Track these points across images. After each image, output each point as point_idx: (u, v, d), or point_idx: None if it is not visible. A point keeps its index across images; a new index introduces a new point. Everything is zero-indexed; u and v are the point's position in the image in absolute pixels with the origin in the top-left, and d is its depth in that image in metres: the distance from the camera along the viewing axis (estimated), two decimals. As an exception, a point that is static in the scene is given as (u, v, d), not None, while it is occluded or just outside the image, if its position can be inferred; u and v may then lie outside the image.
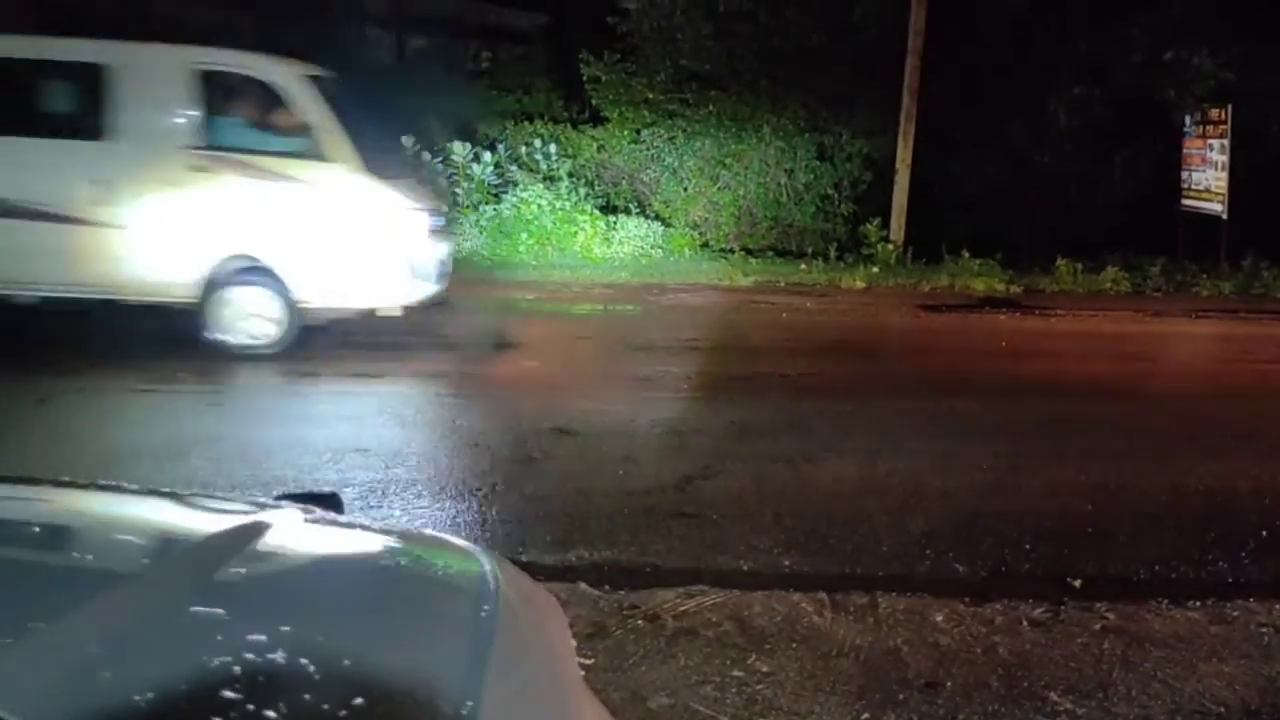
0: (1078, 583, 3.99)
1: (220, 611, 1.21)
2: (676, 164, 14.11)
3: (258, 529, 1.55)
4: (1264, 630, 3.61)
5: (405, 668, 1.17)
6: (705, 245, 13.89)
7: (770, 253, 13.63)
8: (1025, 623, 3.62)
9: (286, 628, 1.21)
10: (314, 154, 7.28)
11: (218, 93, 7.31)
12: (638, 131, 14.33)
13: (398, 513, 4.54)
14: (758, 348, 8.80)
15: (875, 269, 12.72)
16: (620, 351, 8.46)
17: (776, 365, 7.97)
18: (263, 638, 1.15)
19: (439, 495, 4.81)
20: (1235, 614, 3.72)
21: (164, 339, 7.37)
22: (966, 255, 12.55)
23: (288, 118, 7.36)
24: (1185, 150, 13.39)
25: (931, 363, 8.58)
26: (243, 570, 1.36)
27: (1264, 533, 4.59)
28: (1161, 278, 12.41)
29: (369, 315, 7.65)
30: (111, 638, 1.08)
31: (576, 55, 14.66)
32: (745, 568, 4.11)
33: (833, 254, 13.16)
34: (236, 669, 1.08)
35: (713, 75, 14.11)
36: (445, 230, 8.45)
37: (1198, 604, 3.78)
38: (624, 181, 14.30)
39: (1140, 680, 3.24)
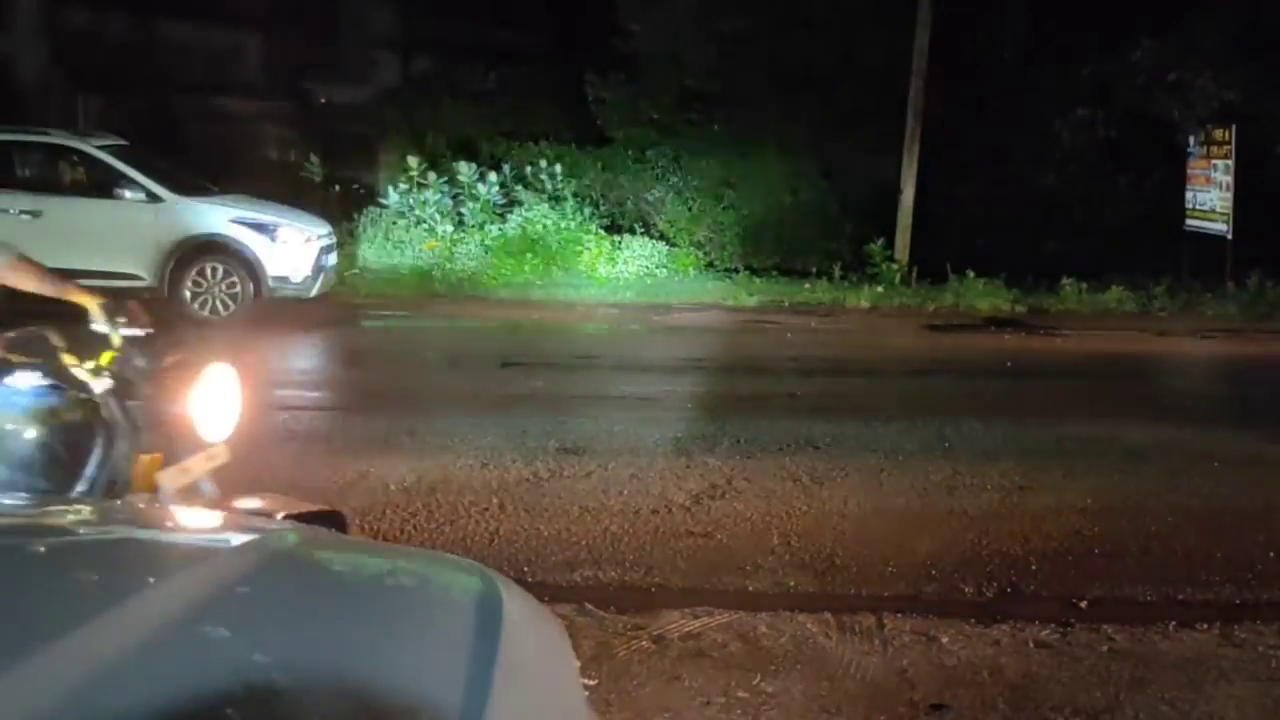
0: (1084, 604, 3.97)
1: (224, 631, 1.20)
2: (681, 184, 14.16)
3: (262, 547, 1.55)
4: (1273, 652, 3.58)
5: (408, 687, 1.17)
6: (710, 265, 13.92)
7: (775, 272, 13.66)
8: (1032, 644, 3.60)
9: (290, 648, 1.20)
10: None
11: None
12: (642, 151, 14.40)
13: (401, 530, 4.54)
14: (763, 367, 8.80)
15: (880, 288, 12.73)
16: (626, 371, 8.46)
17: (782, 385, 7.97)
18: (266, 658, 1.15)
19: (444, 514, 4.80)
20: (1244, 636, 3.69)
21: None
22: (971, 275, 12.56)
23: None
24: (1189, 171, 13.40)
25: (937, 382, 8.57)
26: (246, 590, 1.36)
27: (1271, 554, 4.56)
28: (1167, 298, 12.40)
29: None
30: (114, 657, 1.08)
31: (581, 76, 14.75)
32: (751, 588, 4.10)
33: (837, 273, 13.18)
34: (239, 689, 1.07)
35: (717, 95, 14.19)
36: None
37: (1206, 626, 3.76)
38: (629, 201, 14.36)
39: (1148, 703, 3.22)
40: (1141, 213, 13.59)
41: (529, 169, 13.90)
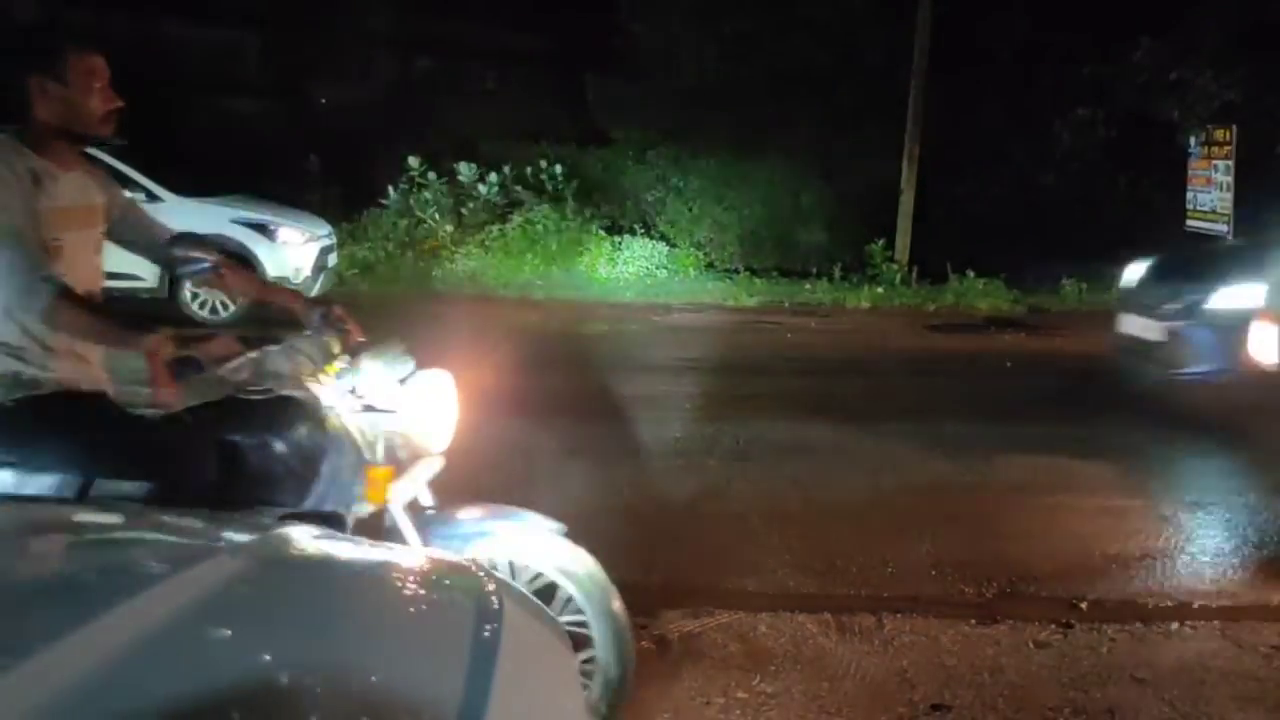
0: (1084, 604, 3.96)
1: (225, 631, 1.20)
2: (681, 184, 14.17)
3: (264, 548, 1.55)
4: (1273, 652, 3.58)
5: (409, 688, 1.17)
6: (710, 265, 13.93)
7: (775, 273, 13.67)
8: (1033, 644, 3.60)
9: (290, 647, 1.20)
10: None
11: None
12: (643, 151, 14.40)
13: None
14: (763, 368, 8.79)
15: (880, 289, 12.74)
16: (625, 372, 8.46)
17: (782, 386, 7.97)
18: (267, 658, 1.15)
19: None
20: (1245, 635, 3.69)
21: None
22: (971, 275, 12.56)
23: None
24: (1190, 171, 13.38)
25: (937, 383, 8.57)
26: (248, 590, 1.36)
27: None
28: (1167, 298, 12.38)
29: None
30: (115, 657, 1.08)
31: (582, 76, 14.77)
32: (751, 589, 4.09)
33: (837, 274, 13.19)
34: (240, 689, 1.07)
35: (718, 96, 14.20)
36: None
37: (1206, 626, 3.76)
38: (629, 202, 14.36)
39: (1149, 703, 3.22)
40: (1142, 213, 13.59)
41: (529, 169, 13.90)
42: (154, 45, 16.87)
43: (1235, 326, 6.50)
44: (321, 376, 2.47)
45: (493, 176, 13.58)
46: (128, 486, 2.36)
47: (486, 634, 1.33)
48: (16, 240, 2.32)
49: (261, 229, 9.86)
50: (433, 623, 1.39)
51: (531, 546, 2.62)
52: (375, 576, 1.60)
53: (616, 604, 2.60)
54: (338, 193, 13.72)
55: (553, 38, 17.73)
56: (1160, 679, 3.37)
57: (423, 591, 1.54)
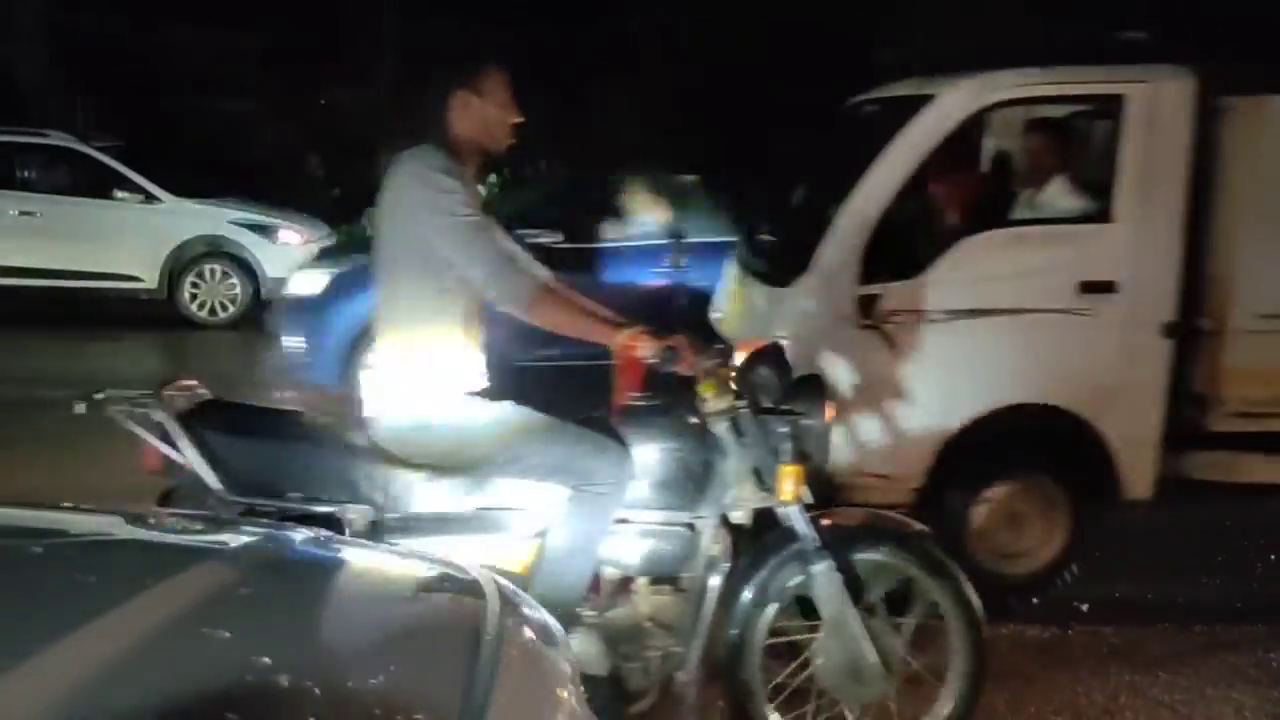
0: (1084, 606, 3.96)
1: (224, 632, 1.20)
2: (680, 185, 14.19)
3: (263, 550, 1.55)
4: (1272, 655, 3.58)
5: (409, 690, 1.17)
6: (710, 266, 13.93)
7: (774, 274, 13.65)
8: (1032, 645, 3.60)
9: (290, 649, 1.20)
10: None
11: None
12: (642, 153, 14.42)
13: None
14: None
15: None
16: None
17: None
18: (266, 659, 1.15)
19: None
20: (1242, 639, 3.69)
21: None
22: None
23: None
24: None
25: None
26: (247, 591, 1.36)
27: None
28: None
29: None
30: (114, 657, 1.08)
31: (582, 77, 14.78)
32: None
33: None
34: (239, 689, 1.07)
35: (718, 97, 14.22)
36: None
37: (1205, 629, 3.76)
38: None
39: (1147, 706, 3.22)
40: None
41: (528, 169, 13.91)
42: (154, 47, 16.87)
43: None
44: (714, 381, 2.49)
45: (492, 177, 13.58)
46: (555, 489, 2.42)
47: (487, 636, 1.33)
48: (493, 237, 2.39)
49: (260, 230, 9.84)
50: (433, 625, 1.39)
51: (893, 546, 2.66)
52: (376, 578, 1.60)
53: (974, 602, 2.69)
54: (337, 194, 13.72)
55: (552, 38, 17.75)
56: (1159, 681, 3.37)
57: (423, 593, 1.54)
